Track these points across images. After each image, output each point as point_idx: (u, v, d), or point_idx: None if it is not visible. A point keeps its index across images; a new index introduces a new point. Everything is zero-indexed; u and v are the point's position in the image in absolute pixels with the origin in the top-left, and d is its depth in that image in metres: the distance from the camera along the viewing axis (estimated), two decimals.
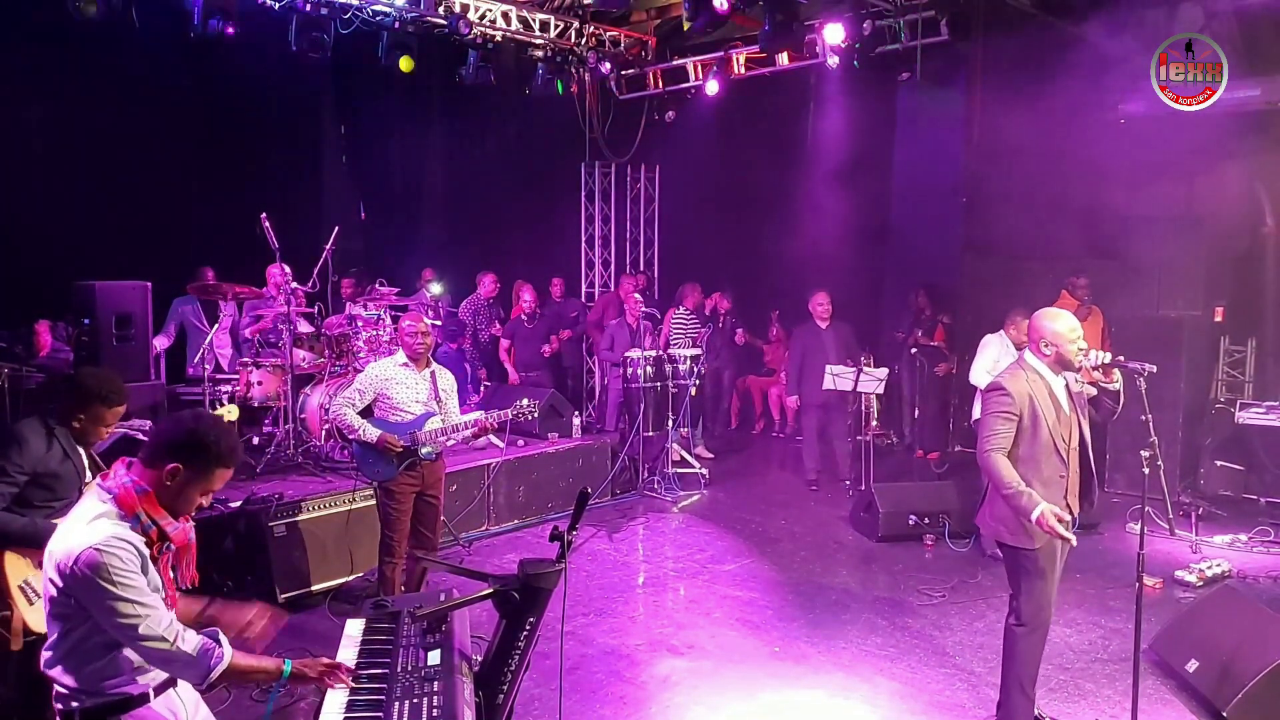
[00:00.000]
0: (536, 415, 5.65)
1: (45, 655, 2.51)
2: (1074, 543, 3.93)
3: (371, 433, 5.21)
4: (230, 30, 7.88)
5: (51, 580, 2.45)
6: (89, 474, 3.81)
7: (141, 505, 2.49)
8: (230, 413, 4.17)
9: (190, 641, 2.45)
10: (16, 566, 3.55)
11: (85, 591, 2.39)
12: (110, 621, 2.40)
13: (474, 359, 9.96)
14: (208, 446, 2.52)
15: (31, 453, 3.59)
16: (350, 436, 5.38)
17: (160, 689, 2.58)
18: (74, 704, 2.49)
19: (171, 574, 2.60)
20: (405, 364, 5.36)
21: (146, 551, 2.49)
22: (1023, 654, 4.09)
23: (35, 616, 3.55)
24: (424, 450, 5.26)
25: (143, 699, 2.54)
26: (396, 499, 5.28)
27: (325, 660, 2.67)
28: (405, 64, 9.15)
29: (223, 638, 2.54)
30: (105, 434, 3.79)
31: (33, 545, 3.56)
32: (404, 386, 5.32)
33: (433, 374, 5.42)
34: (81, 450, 3.80)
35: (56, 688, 2.51)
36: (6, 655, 3.65)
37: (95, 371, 4.23)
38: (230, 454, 2.57)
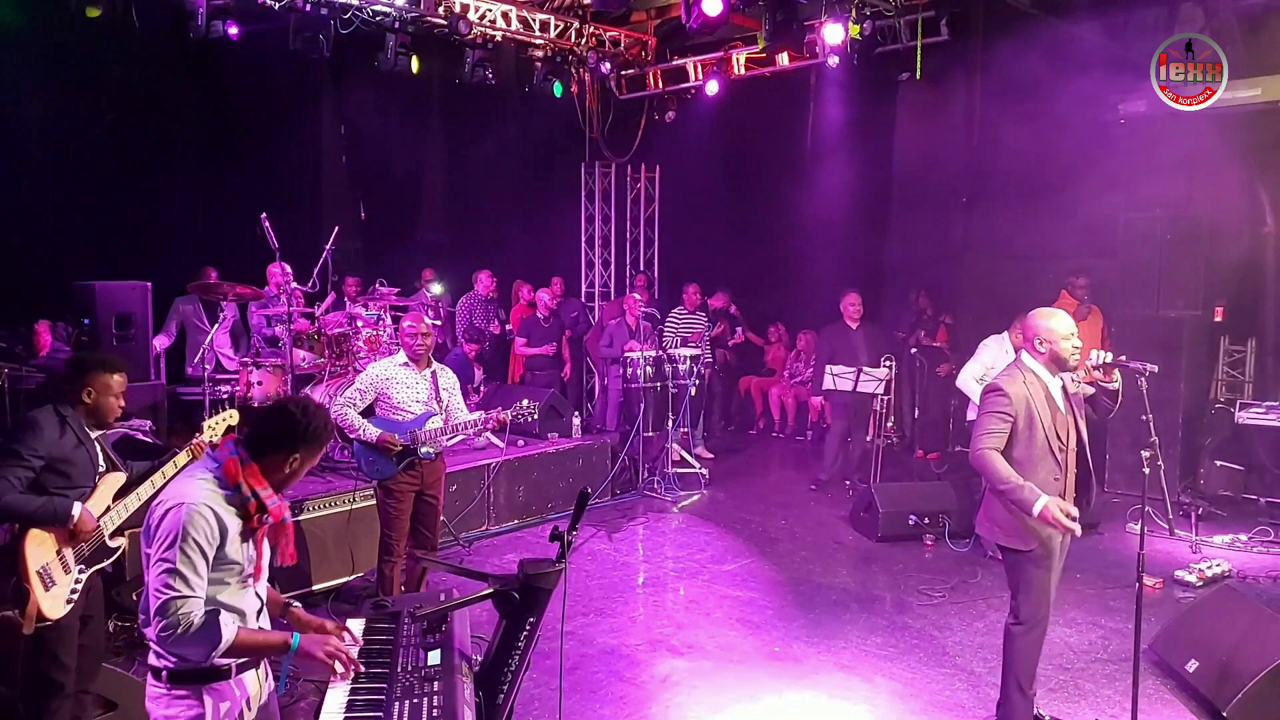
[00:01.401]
0: (536, 416, 5.66)
1: (142, 616, 2.60)
2: (1078, 533, 3.89)
3: (371, 432, 5.24)
4: (233, 32, 7.89)
5: (146, 531, 2.56)
6: (103, 465, 3.82)
7: (244, 476, 2.60)
8: (231, 418, 4.16)
9: (198, 622, 2.50)
10: (37, 551, 3.56)
11: (156, 537, 2.50)
12: (151, 576, 2.49)
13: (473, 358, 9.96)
14: (319, 431, 2.70)
15: (45, 438, 3.60)
16: (351, 436, 5.39)
17: (243, 666, 2.67)
18: (164, 662, 2.58)
19: (266, 548, 2.71)
20: (406, 364, 5.38)
21: (237, 525, 2.58)
22: (1021, 653, 4.09)
23: (49, 603, 3.56)
24: (423, 449, 5.28)
25: (225, 673, 2.62)
26: (396, 498, 5.30)
27: (335, 641, 2.67)
28: (415, 64, 9.14)
29: (226, 617, 2.58)
30: (118, 407, 3.78)
31: (53, 523, 3.59)
32: (404, 386, 5.33)
33: (433, 374, 5.43)
34: (96, 442, 3.80)
35: (151, 642, 2.60)
36: (14, 651, 3.65)
37: (90, 349, 4.24)
38: (328, 427, 2.77)
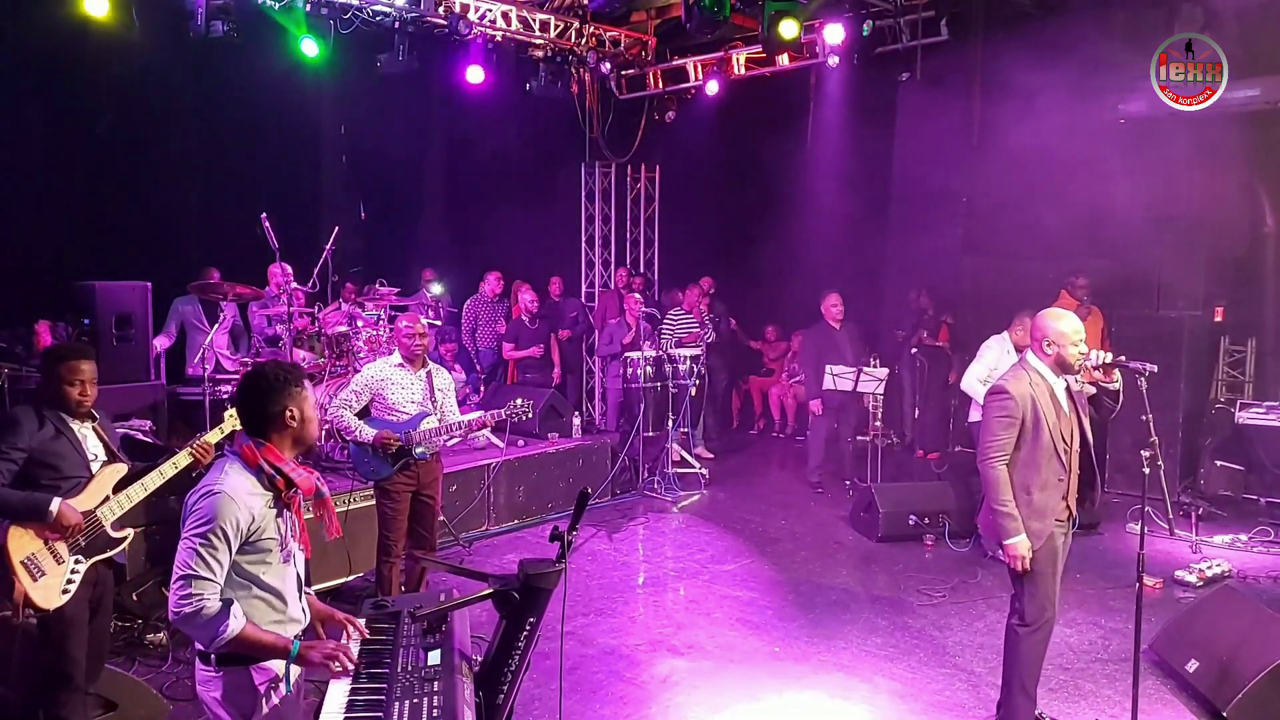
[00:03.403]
0: (531, 415, 5.64)
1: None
2: (1028, 569, 3.99)
3: (367, 433, 5.22)
4: (232, 32, 7.88)
5: (183, 516, 2.66)
6: (101, 455, 3.82)
7: (263, 456, 2.71)
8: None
9: (207, 609, 2.55)
10: (20, 543, 3.58)
11: (189, 518, 2.60)
12: (179, 552, 2.59)
13: (475, 359, 9.95)
14: (286, 376, 2.78)
15: (24, 431, 3.63)
16: (348, 437, 5.39)
17: None
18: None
19: (305, 519, 2.84)
20: (401, 364, 5.36)
21: (270, 504, 2.69)
22: (1026, 654, 4.09)
23: (40, 593, 3.58)
24: (418, 450, 5.25)
25: None
26: (392, 498, 5.29)
27: (331, 643, 2.74)
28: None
29: (236, 609, 2.61)
30: (76, 394, 3.74)
31: (34, 518, 3.60)
32: (399, 387, 5.31)
33: (428, 374, 5.41)
34: (86, 433, 3.80)
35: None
36: (9, 651, 3.65)
37: (58, 343, 4.22)
38: (289, 368, 2.87)
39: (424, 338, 5.40)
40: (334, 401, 5.42)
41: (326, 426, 6.86)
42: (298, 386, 2.79)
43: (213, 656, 2.66)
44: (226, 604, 2.59)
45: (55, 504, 3.61)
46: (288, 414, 2.75)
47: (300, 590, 2.86)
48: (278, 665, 2.73)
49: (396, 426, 5.27)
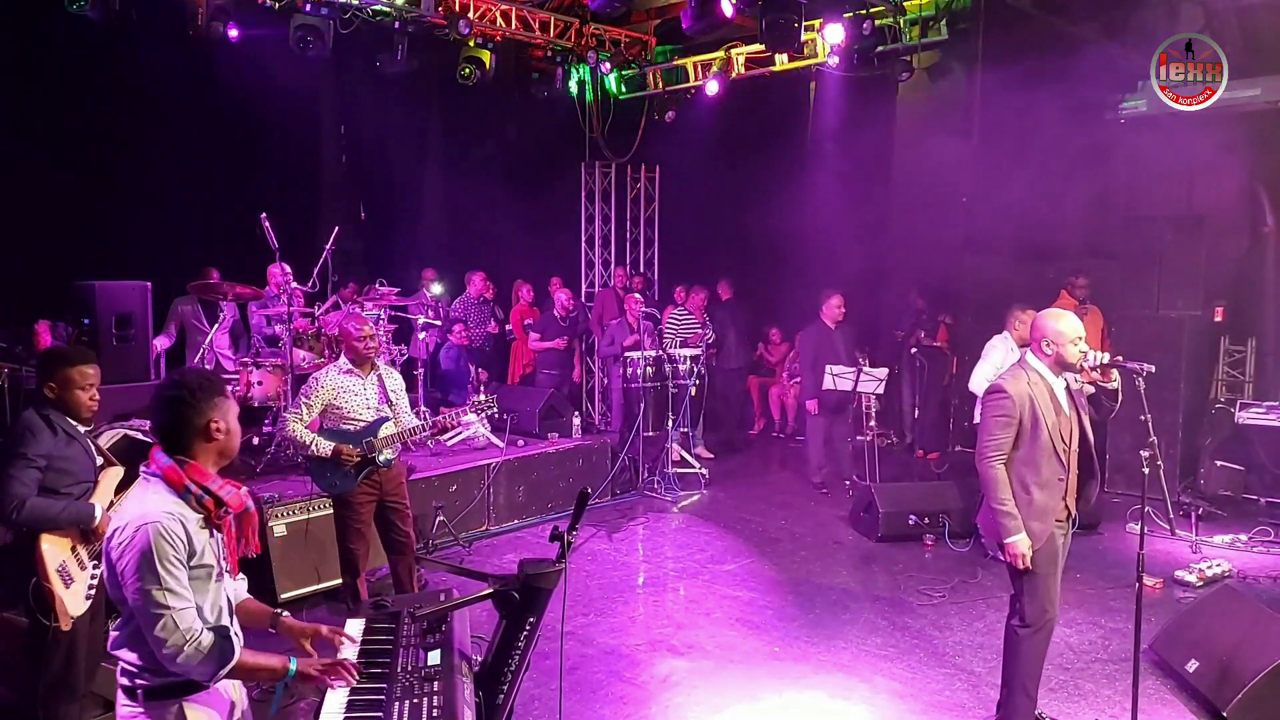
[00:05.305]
0: (495, 410, 5.46)
1: (113, 635, 2.51)
2: (1029, 566, 3.99)
3: (325, 446, 4.95)
4: (233, 32, 7.89)
5: (107, 557, 2.43)
6: (98, 458, 3.81)
7: (189, 476, 2.49)
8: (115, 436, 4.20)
9: (204, 640, 2.41)
10: (53, 550, 3.55)
11: (125, 565, 2.37)
12: (137, 605, 2.37)
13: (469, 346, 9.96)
14: (204, 386, 2.56)
15: (43, 439, 3.59)
16: (304, 453, 5.13)
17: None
18: (139, 681, 2.47)
19: (235, 541, 2.63)
20: (350, 370, 5.10)
21: (201, 525, 2.49)
22: (1026, 654, 4.09)
23: (72, 600, 3.56)
24: (381, 457, 5.05)
25: (202, 685, 2.51)
26: (356, 510, 5.06)
27: (328, 659, 2.66)
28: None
29: (234, 628, 2.53)
30: (88, 400, 3.70)
31: (76, 525, 3.60)
32: (352, 394, 5.06)
33: (379, 377, 5.19)
34: (86, 437, 3.79)
35: (122, 663, 2.49)
36: (14, 651, 3.63)
37: (58, 345, 4.18)
38: (214, 377, 2.66)
39: (374, 339, 5.15)
40: (285, 415, 5.16)
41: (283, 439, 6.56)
42: (220, 395, 2.58)
43: (139, 691, 2.44)
44: (222, 630, 2.47)
45: (99, 510, 3.61)
46: (213, 426, 2.54)
47: (232, 614, 2.65)
48: (231, 692, 2.61)
49: (354, 436, 5.04)
